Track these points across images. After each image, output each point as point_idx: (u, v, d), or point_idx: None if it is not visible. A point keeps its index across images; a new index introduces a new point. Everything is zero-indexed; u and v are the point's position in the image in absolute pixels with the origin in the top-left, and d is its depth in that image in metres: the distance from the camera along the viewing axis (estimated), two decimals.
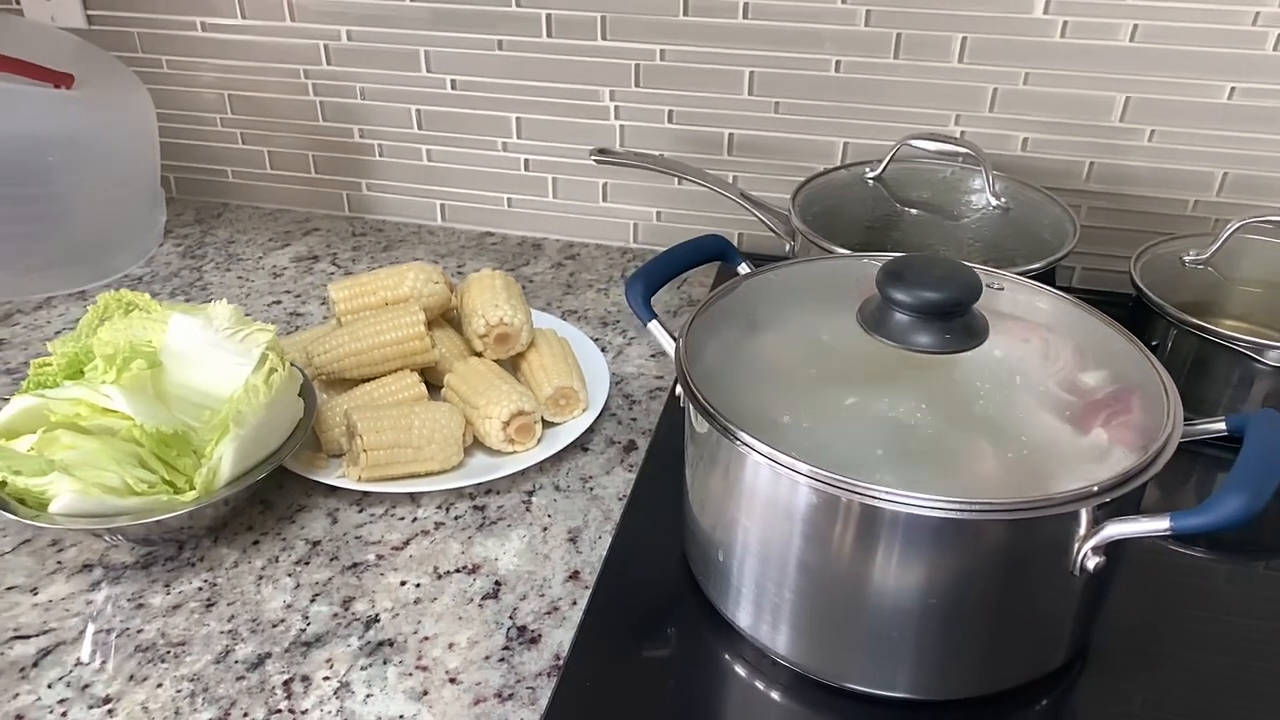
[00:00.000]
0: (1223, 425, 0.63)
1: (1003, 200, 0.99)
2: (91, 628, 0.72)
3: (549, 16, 1.15)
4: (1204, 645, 0.71)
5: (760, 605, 0.68)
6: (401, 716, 0.66)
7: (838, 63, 1.10)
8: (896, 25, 1.06)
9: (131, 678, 0.68)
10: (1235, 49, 0.99)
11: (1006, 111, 1.08)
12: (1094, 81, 1.04)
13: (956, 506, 0.57)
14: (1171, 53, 1.00)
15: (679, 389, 0.72)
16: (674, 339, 0.72)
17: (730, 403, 0.64)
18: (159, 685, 0.68)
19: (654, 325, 0.75)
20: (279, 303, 1.14)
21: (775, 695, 0.69)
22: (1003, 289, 0.73)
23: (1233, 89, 1.01)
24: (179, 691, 0.67)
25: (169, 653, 0.70)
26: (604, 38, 1.14)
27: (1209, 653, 0.71)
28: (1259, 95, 1.01)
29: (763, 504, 0.64)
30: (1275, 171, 1.04)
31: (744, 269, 0.82)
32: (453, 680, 0.69)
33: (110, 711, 0.66)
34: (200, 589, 0.76)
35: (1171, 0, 0.98)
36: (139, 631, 0.72)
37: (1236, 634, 0.72)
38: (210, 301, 0.84)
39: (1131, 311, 0.92)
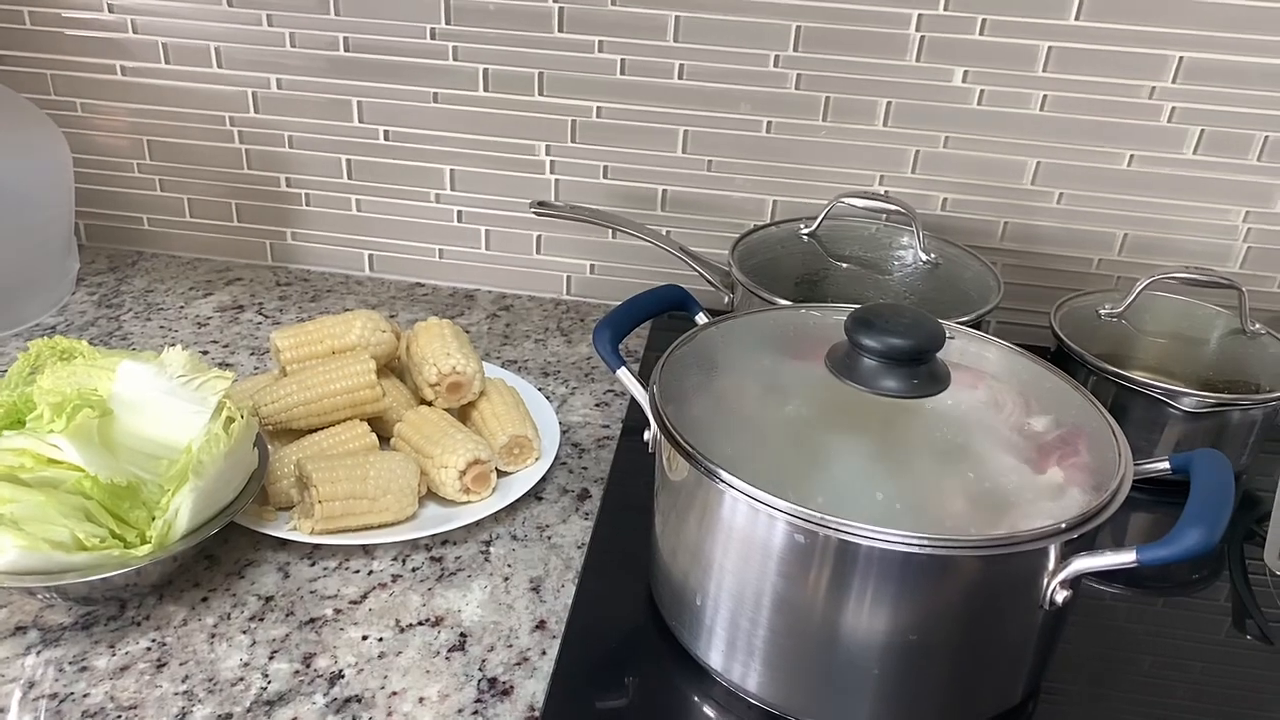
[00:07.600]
0: (1166, 465, 0.68)
1: (931, 256, 1.05)
2: (32, 693, 0.68)
3: (486, 71, 1.16)
4: (1149, 679, 0.76)
5: (734, 646, 0.69)
6: None
7: (769, 124, 1.14)
8: (825, 89, 1.11)
9: None
10: (1134, 120, 1.07)
11: (927, 173, 1.14)
12: (1008, 146, 1.11)
13: (935, 543, 0.59)
14: (1077, 122, 1.08)
15: (648, 435, 0.74)
16: (645, 387, 0.74)
17: (706, 446, 0.66)
18: None
19: (623, 373, 0.76)
20: (206, 353, 1.11)
21: None
22: (954, 338, 0.77)
23: (1131, 156, 1.09)
24: None
25: (120, 717, 0.67)
26: (541, 94, 1.16)
27: (1155, 682, 0.75)
28: (1155, 163, 1.09)
29: (740, 544, 0.65)
30: (1170, 233, 1.13)
31: (701, 318, 0.84)
32: None
33: None
34: (149, 649, 0.72)
35: (1078, 74, 1.06)
36: (85, 695, 0.68)
37: (1169, 665, 0.77)
38: (135, 350, 0.81)
39: (1051, 361, 0.97)
